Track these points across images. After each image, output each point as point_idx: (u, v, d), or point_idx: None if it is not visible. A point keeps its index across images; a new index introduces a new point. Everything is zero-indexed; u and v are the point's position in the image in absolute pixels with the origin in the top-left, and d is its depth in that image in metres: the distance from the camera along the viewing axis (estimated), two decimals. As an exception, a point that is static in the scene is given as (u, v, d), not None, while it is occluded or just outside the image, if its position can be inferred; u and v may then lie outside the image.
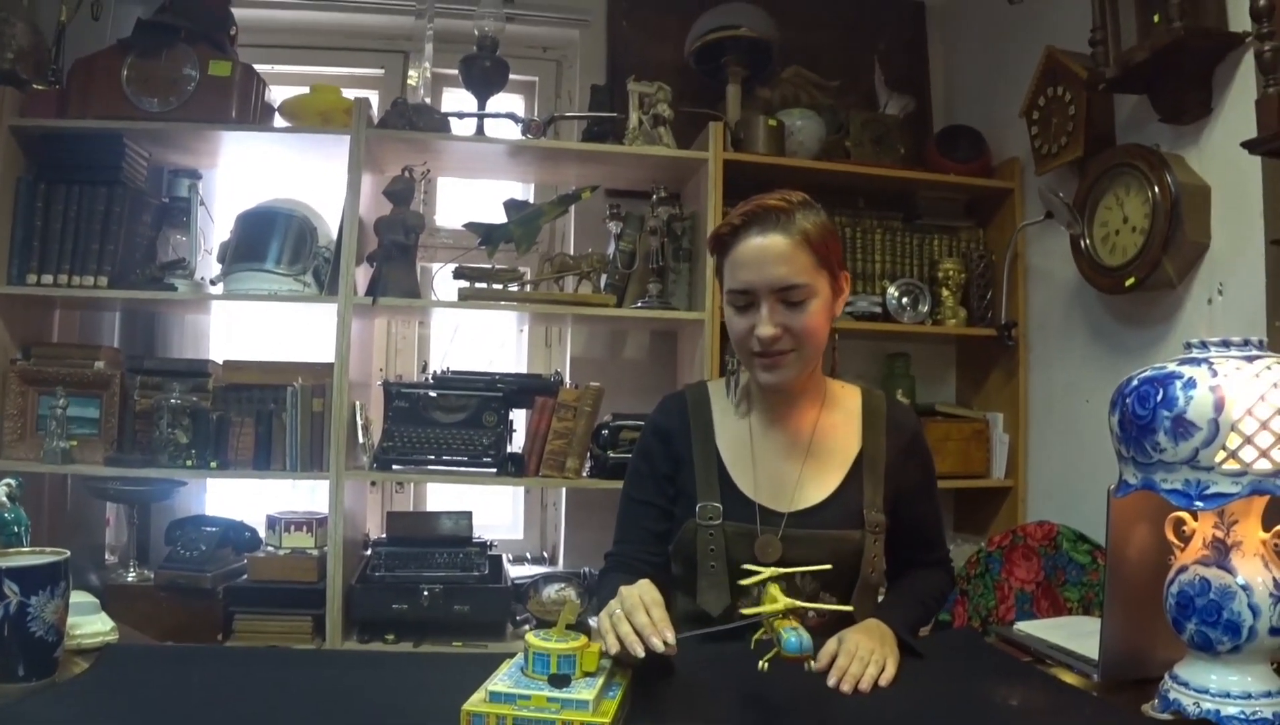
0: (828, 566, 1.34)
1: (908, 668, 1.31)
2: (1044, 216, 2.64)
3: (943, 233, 3.04)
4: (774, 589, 1.18)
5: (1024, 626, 1.63)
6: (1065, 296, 2.74)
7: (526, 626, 2.48)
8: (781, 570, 1.21)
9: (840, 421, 1.57)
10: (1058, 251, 2.72)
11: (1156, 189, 2.20)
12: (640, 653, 1.11)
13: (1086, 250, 2.47)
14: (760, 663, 1.12)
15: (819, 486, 1.52)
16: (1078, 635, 1.52)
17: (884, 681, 1.25)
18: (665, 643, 1.11)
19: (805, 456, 1.54)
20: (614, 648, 1.13)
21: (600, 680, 1.12)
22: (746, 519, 1.50)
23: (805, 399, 1.56)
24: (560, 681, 1.08)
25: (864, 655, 1.27)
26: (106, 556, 2.68)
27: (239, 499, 3.02)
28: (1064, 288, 2.74)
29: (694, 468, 1.54)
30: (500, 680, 1.09)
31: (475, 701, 1.04)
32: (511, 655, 1.19)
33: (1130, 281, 2.30)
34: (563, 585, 2.60)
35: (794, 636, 1.09)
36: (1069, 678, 1.37)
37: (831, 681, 1.21)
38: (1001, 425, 2.97)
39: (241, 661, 1.39)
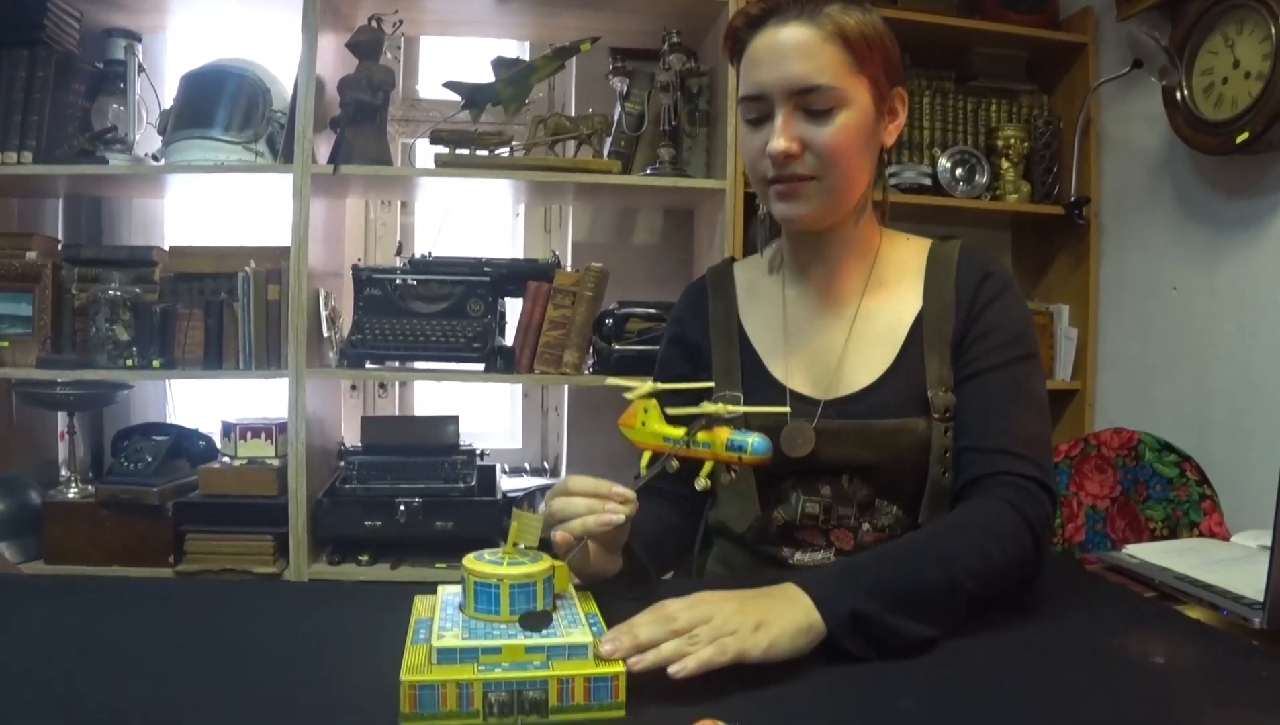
0: (785, 409, 1.12)
1: (992, 613, 0.94)
2: (1129, 68, 2.24)
3: (1001, 96, 2.65)
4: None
5: (1135, 550, 1.29)
6: (1149, 167, 2.37)
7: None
8: (661, 386, 0.98)
9: (899, 282, 1.22)
10: (1141, 113, 2.36)
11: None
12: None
13: (1184, 103, 2.11)
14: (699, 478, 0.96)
15: (868, 365, 1.18)
16: (1211, 564, 1.18)
17: (690, 666, 0.76)
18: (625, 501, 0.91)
19: (850, 327, 1.20)
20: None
21: (578, 610, 0.81)
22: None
23: (849, 254, 1.22)
24: (537, 621, 0.77)
25: (679, 624, 0.80)
26: (62, 473, 2.39)
27: (202, 405, 2.70)
28: (1147, 156, 2.37)
29: (712, 354, 1.27)
30: (439, 632, 0.76)
31: (414, 667, 0.72)
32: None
33: (1243, 136, 1.96)
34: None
35: (755, 437, 0.92)
36: (1198, 614, 1.03)
37: (605, 649, 0.75)
38: (1067, 318, 2.61)
39: (119, 596, 1.05)
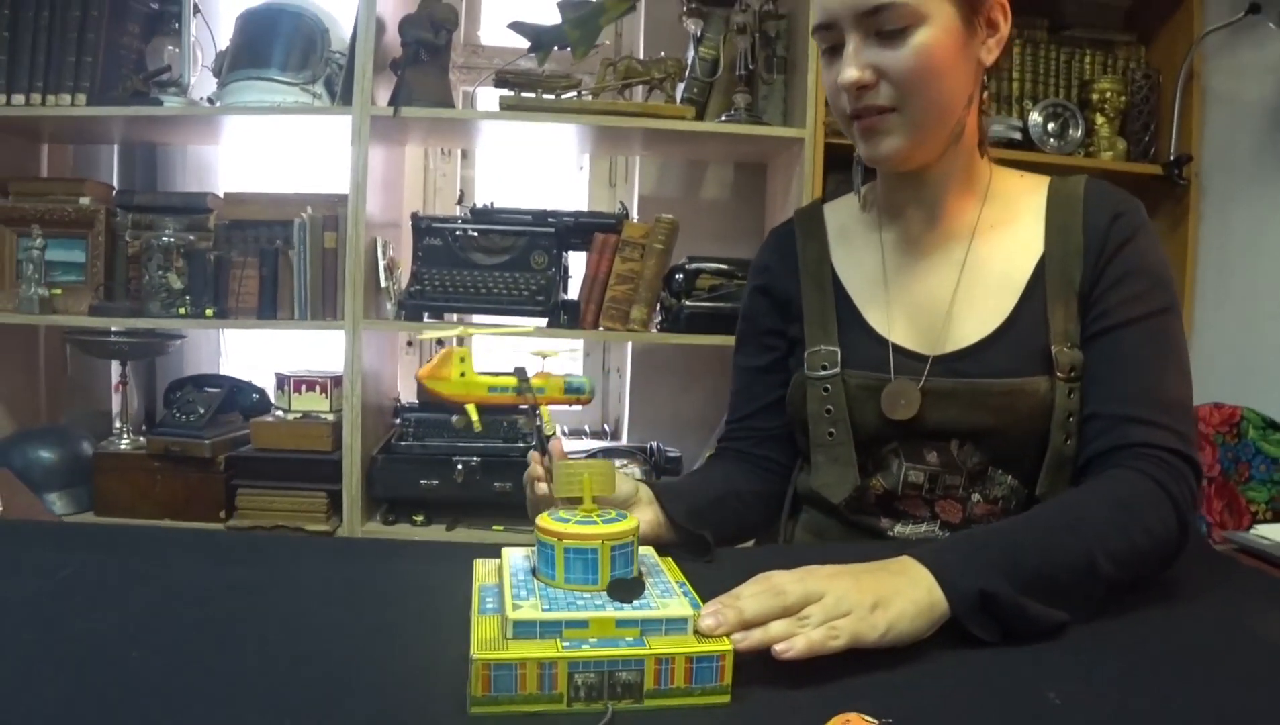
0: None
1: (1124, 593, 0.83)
2: (1244, 14, 2.07)
3: (1096, 47, 2.49)
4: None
5: (1266, 531, 1.16)
6: (1259, 123, 2.20)
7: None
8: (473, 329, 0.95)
9: (1015, 222, 1.08)
10: (1251, 66, 2.20)
11: None
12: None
13: (1308, 49, 1.92)
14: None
15: (982, 316, 1.05)
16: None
17: (799, 647, 0.65)
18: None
19: (960, 274, 1.07)
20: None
21: (668, 577, 0.72)
22: (878, 366, 1.07)
23: (953, 191, 1.08)
24: (627, 590, 0.67)
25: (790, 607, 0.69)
26: (115, 424, 2.35)
27: (256, 357, 2.64)
28: (1258, 112, 2.20)
29: (803, 304, 1.15)
30: (513, 602, 0.66)
31: (487, 642, 0.62)
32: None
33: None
34: (625, 462, 2.17)
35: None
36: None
37: (706, 623, 0.65)
38: (1163, 285, 2.43)
39: (164, 546, 0.96)
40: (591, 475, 0.72)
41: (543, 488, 0.93)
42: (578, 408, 2.73)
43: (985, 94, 1.08)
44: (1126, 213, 1.04)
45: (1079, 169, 2.35)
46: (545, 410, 0.90)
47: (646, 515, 0.98)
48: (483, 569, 0.76)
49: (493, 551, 0.79)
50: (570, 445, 2.42)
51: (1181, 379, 0.99)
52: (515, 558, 0.75)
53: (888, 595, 0.72)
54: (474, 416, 0.90)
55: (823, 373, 1.09)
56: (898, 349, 1.07)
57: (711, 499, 1.10)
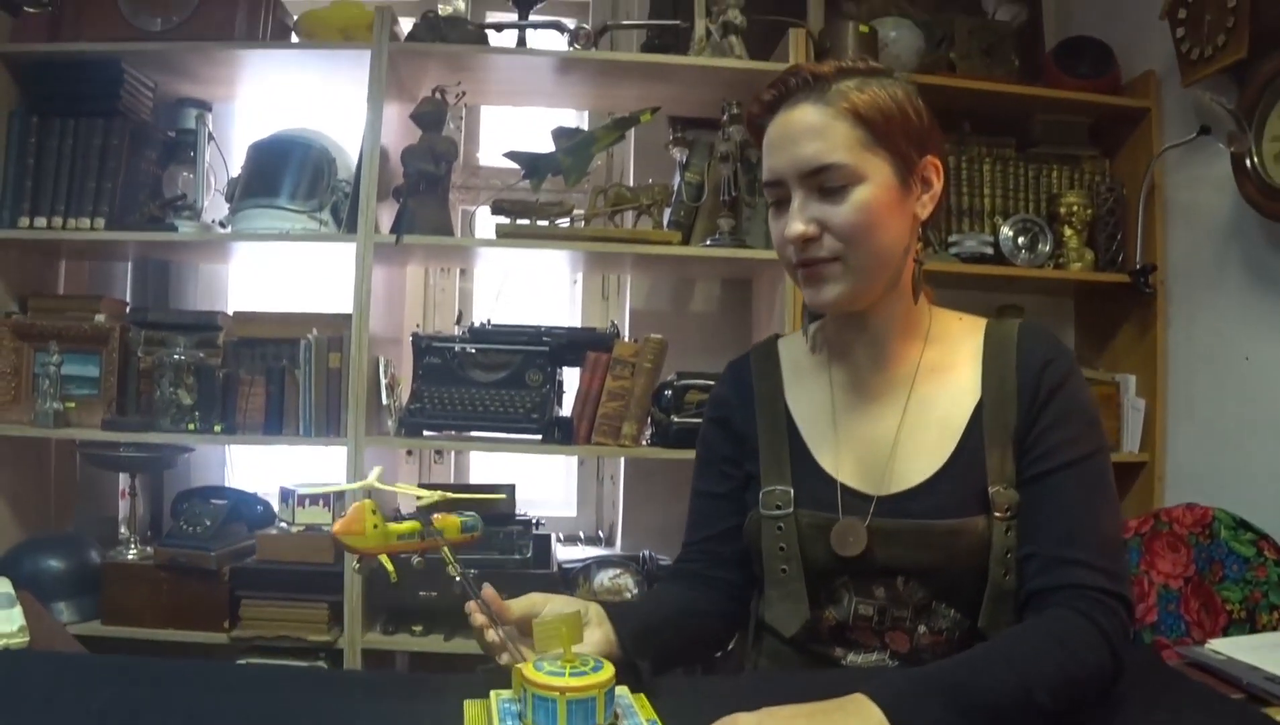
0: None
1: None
2: (1195, 134, 2.20)
3: (1063, 162, 2.61)
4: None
5: (1219, 645, 1.23)
6: (1217, 233, 2.31)
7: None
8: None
9: (954, 366, 1.15)
10: (1208, 179, 2.31)
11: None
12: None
13: (1254, 170, 2.06)
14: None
15: (924, 458, 1.11)
16: (1307, 661, 1.12)
17: None
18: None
19: (903, 417, 1.13)
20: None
21: (639, 718, 0.80)
22: (826, 505, 1.13)
23: (895, 335, 1.16)
24: None
25: None
26: (122, 532, 2.41)
27: (263, 470, 2.72)
28: (1216, 222, 2.31)
29: (759, 442, 1.21)
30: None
31: None
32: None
33: (1318, 205, 1.87)
34: (618, 571, 2.23)
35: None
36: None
37: None
38: (1134, 389, 2.53)
39: (178, 681, 1.04)
40: (568, 629, 0.80)
41: (491, 634, 0.97)
42: (570, 515, 2.82)
43: (920, 244, 1.16)
44: (1056, 359, 1.10)
45: (1049, 281, 2.48)
46: (446, 552, 0.95)
47: (595, 635, 1.04)
48: (472, 711, 0.83)
49: (482, 689, 0.86)
50: (565, 553, 2.49)
51: (1114, 518, 1.06)
52: (502, 702, 0.82)
53: None
54: (389, 567, 0.93)
55: (777, 512, 1.14)
56: (845, 489, 1.12)
57: (664, 618, 1.16)
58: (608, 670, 0.78)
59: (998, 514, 1.06)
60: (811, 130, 1.06)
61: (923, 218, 1.12)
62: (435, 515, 0.95)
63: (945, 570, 1.07)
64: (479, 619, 0.98)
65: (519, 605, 1.01)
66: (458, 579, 0.94)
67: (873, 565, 1.09)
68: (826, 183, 1.05)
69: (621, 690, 0.85)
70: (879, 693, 0.84)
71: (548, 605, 1.01)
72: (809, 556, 1.12)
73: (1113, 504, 1.07)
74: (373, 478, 0.94)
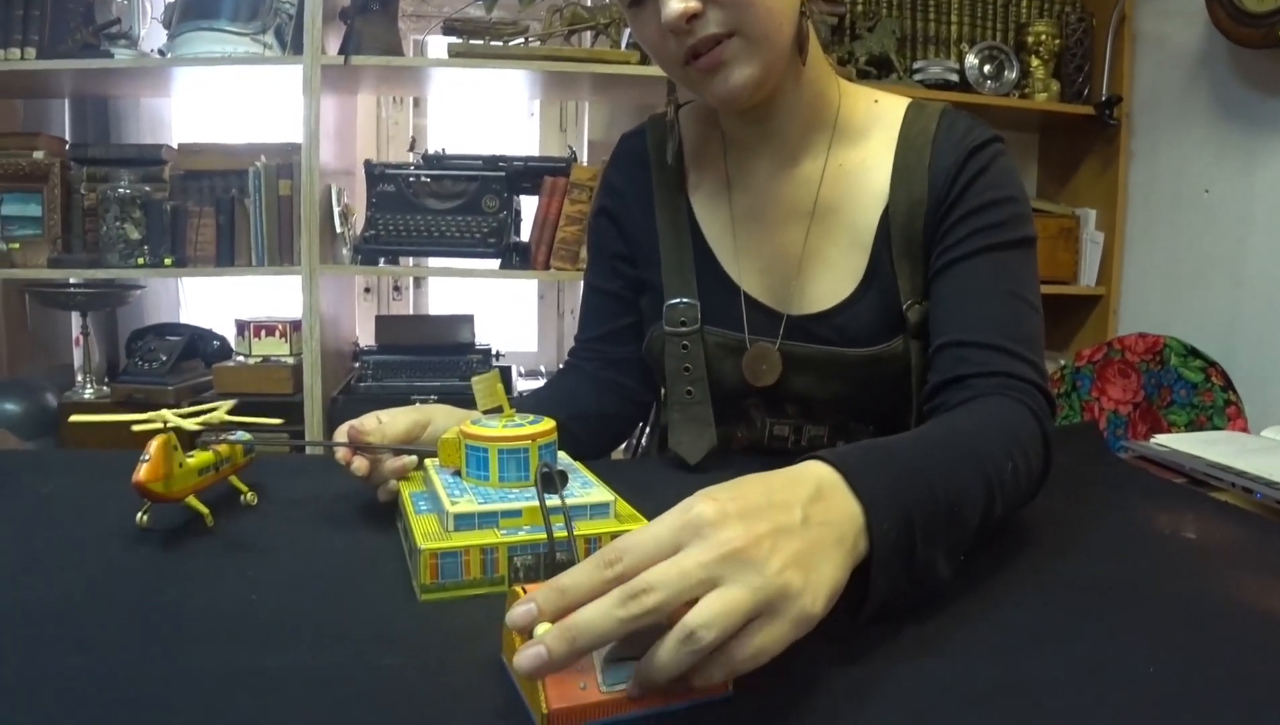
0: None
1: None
2: (1169, -43, 2.15)
3: (1033, -10, 2.54)
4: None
5: (1165, 440, 1.25)
6: (1185, 64, 2.28)
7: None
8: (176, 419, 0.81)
9: (864, 165, 0.98)
10: (1178, 9, 2.28)
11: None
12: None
13: (1226, -6, 2.00)
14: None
15: (832, 275, 0.98)
16: (1244, 453, 1.14)
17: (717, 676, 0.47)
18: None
19: (809, 226, 0.99)
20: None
21: (583, 472, 0.79)
22: (735, 323, 1.01)
23: (798, 124, 0.98)
24: (553, 483, 0.70)
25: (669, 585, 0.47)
26: (78, 377, 2.38)
27: (216, 306, 2.68)
28: (1184, 53, 2.28)
29: (659, 245, 1.05)
30: (450, 499, 0.72)
31: (430, 535, 0.68)
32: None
33: (1286, 26, 1.85)
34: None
35: None
36: (1229, 498, 1.00)
37: (522, 664, 0.45)
38: (1094, 223, 2.54)
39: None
40: (500, 385, 0.79)
41: (391, 464, 0.83)
42: (532, 350, 2.82)
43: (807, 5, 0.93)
44: (978, 150, 0.94)
45: (1014, 110, 2.45)
46: (236, 479, 0.85)
47: None
48: (405, 483, 0.82)
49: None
50: (526, 386, 2.50)
51: (1036, 315, 0.92)
52: (438, 467, 0.81)
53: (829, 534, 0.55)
54: (203, 510, 0.78)
55: (682, 328, 1.02)
56: (752, 303, 1.01)
57: (562, 421, 0.93)
58: (546, 423, 0.77)
59: (913, 332, 0.96)
60: None
61: None
62: (220, 441, 0.84)
63: (863, 396, 1.00)
64: (361, 463, 0.82)
65: (391, 428, 0.86)
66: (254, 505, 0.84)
67: (786, 392, 1.01)
68: None
69: (561, 454, 0.84)
70: (858, 481, 0.59)
71: (408, 417, 0.89)
72: (715, 379, 1.02)
73: (1036, 305, 0.92)
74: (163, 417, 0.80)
